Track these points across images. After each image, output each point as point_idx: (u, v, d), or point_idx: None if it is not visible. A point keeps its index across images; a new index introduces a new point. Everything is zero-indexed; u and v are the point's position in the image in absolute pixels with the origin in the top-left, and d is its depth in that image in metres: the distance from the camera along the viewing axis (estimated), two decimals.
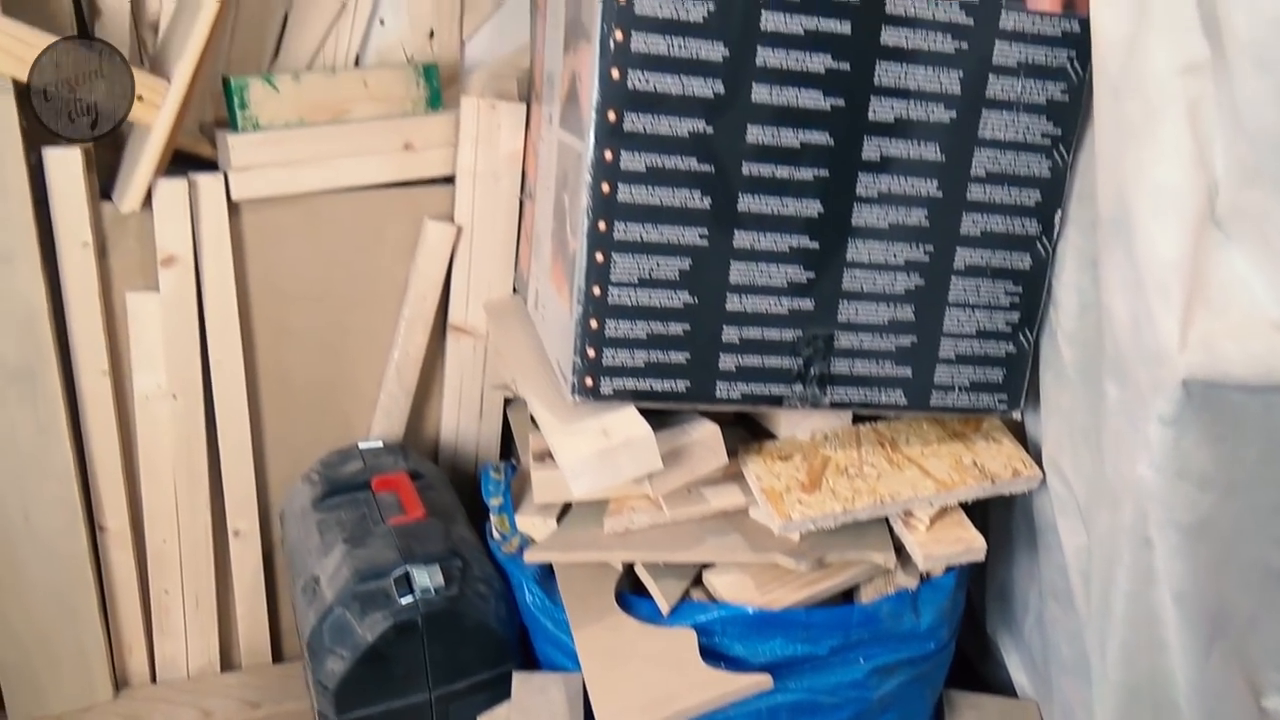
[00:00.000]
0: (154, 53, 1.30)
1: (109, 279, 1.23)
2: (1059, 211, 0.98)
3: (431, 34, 1.43)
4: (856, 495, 0.98)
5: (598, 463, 0.91)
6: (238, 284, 1.27)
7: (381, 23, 1.42)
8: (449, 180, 1.35)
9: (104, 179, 1.25)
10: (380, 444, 1.34)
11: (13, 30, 1.06)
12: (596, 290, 0.91)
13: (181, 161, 1.26)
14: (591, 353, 0.93)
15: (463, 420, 1.44)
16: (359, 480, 1.24)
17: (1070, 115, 0.95)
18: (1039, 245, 0.99)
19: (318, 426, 1.38)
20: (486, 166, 1.33)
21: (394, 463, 1.28)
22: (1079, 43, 0.93)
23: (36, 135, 1.16)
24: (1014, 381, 1.03)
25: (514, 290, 1.38)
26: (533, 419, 1.32)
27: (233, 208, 1.25)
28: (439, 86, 1.37)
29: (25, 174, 1.14)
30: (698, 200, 0.91)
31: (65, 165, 1.17)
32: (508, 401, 1.44)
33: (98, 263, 1.21)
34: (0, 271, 1.14)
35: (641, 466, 0.92)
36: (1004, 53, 0.92)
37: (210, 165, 1.30)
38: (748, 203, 0.92)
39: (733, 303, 0.94)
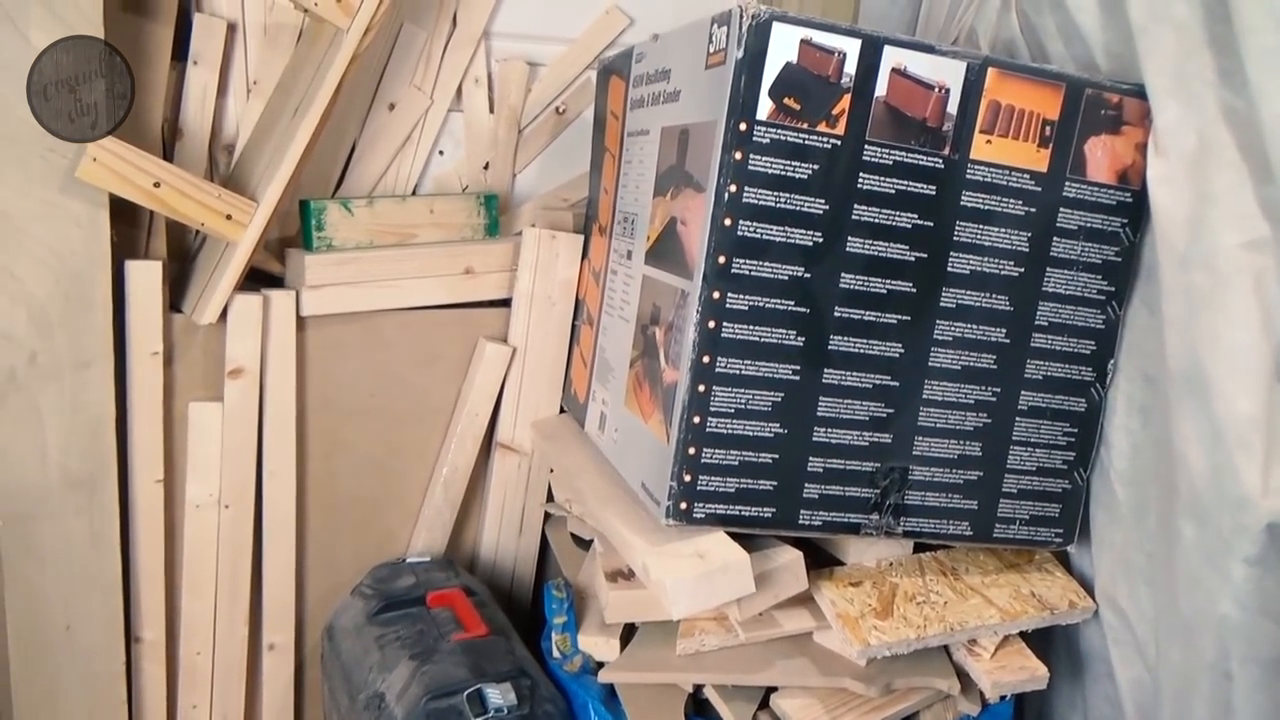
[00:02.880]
0: (226, 172, 1.35)
1: (172, 388, 1.24)
2: (1111, 360, 1.07)
3: (486, 166, 1.51)
4: (928, 622, 1.03)
5: (696, 586, 0.94)
6: (297, 397, 1.30)
7: (441, 153, 1.49)
8: (503, 303, 1.40)
9: (170, 289, 1.28)
10: (429, 559, 1.35)
11: (119, 150, 1.10)
12: (697, 419, 0.96)
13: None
14: (688, 478, 0.97)
15: (503, 536, 1.45)
16: (413, 595, 1.24)
17: (1122, 275, 1.05)
18: (1093, 390, 1.07)
19: (360, 539, 1.38)
20: (543, 292, 1.39)
21: (446, 578, 1.29)
22: (1130, 211, 1.04)
23: (119, 247, 1.19)
24: (1069, 517, 1.10)
25: (560, 410, 1.42)
26: (575, 538, 1.36)
27: (299, 323, 1.28)
28: (498, 215, 1.44)
29: (110, 285, 1.16)
30: (793, 339, 0.97)
31: (145, 277, 1.20)
32: (546, 518, 1.47)
33: (163, 372, 1.22)
34: (77, 379, 1.15)
35: (737, 590, 0.96)
36: (1067, 218, 1.02)
37: (270, 278, 1.34)
38: (837, 343, 0.99)
39: (819, 435, 1.00)
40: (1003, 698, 1.09)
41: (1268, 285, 0.84)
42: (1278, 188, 0.83)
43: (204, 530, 1.27)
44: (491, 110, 1.49)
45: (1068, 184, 1.02)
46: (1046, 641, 1.21)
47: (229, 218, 1.19)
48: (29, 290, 1.12)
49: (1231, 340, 0.85)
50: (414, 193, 1.48)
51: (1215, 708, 0.89)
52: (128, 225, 1.23)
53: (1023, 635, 1.12)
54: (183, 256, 1.34)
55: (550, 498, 1.45)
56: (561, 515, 1.40)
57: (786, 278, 0.96)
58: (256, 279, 1.32)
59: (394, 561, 1.35)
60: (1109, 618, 1.07)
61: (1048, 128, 1.00)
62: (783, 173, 0.94)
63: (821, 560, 1.14)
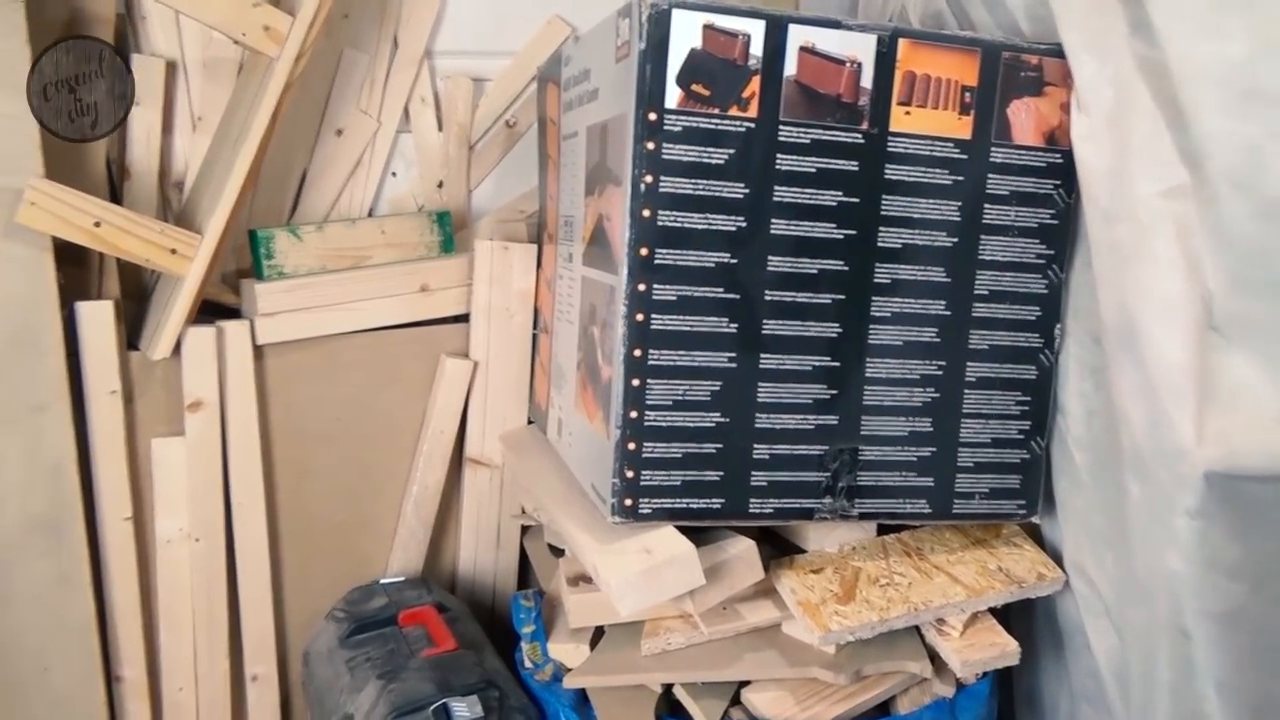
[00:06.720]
0: (178, 209, 1.36)
1: (134, 426, 1.25)
2: (1058, 325, 1.05)
3: (440, 185, 1.51)
4: (890, 604, 1.01)
5: (643, 581, 0.93)
6: (260, 426, 1.30)
7: (394, 175, 1.50)
8: (463, 319, 1.40)
9: (128, 329, 1.29)
10: (402, 579, 1.35)
11: (56, 193, 1.12)
12: (634, 414, 0.96)
13: (203, 309, 1.30)
14: (630, 474, 0.96)
15: (480, 551, 1.45)
16: (385, 615, 1.24)
17: (1060, 237, 1.04)
18: (1042, 356, 1.05)
19: (336, 564, 1.38)
20: (500, 304, 1.39)
21: (418, 596, 1.28)
22: (1062, 173, 1.02)
23: (69, 290, 1.20)
24: (1030, 487, 1.08)
25: (529, 421, 1.42)
26: (551, 548, 1.36)
27: (257, 352, 1.29)
28: (452, 231, 1.44)
29: (60, 329, 1.17)
30: (725, 326, 0.97)
31: (97, 318, 1.21)
32: (524, 531, 1.46)
33: (124, 410, 1.23)
34: (33, 423, 1.16)
35: (685, 583, 0.95)
36: (996, 184, 1.01)
37: (232, 312, 1.35)
38: (772, 327, 0.98)
39: (762, 421, 0.99)
40: (978, 677, 1.07)
41: (1190, 232, 0.82)
42: (1191, 133, 0.81)
43: (176, 565, 1.28)
44: (440, 128, 1.49)
45: (994, 149, 1.00)
46: (1029, 618, 1.19)
47: (174, 252, 1.20)
48: None
49: (1158, 290, 0.83)
50: (370, 215, 1.48)
51: (1178, 668, 0.86)
52: (77, 267, 1.24)
53: (1003, 614, 1.09)
54: (141, 296, 1.35)
55: (523, 509, 1.44)
56: (539, 526, 1.39)
57: (713, 265, 0.95)
58: (216, 312, 1.32)
59: (367, 584, 1.34)
60: (1080, 587, 1.05)
61: (967, 94, 0.98)
62: (698, 159, 0.93)
63: (786, 550, 1.13)
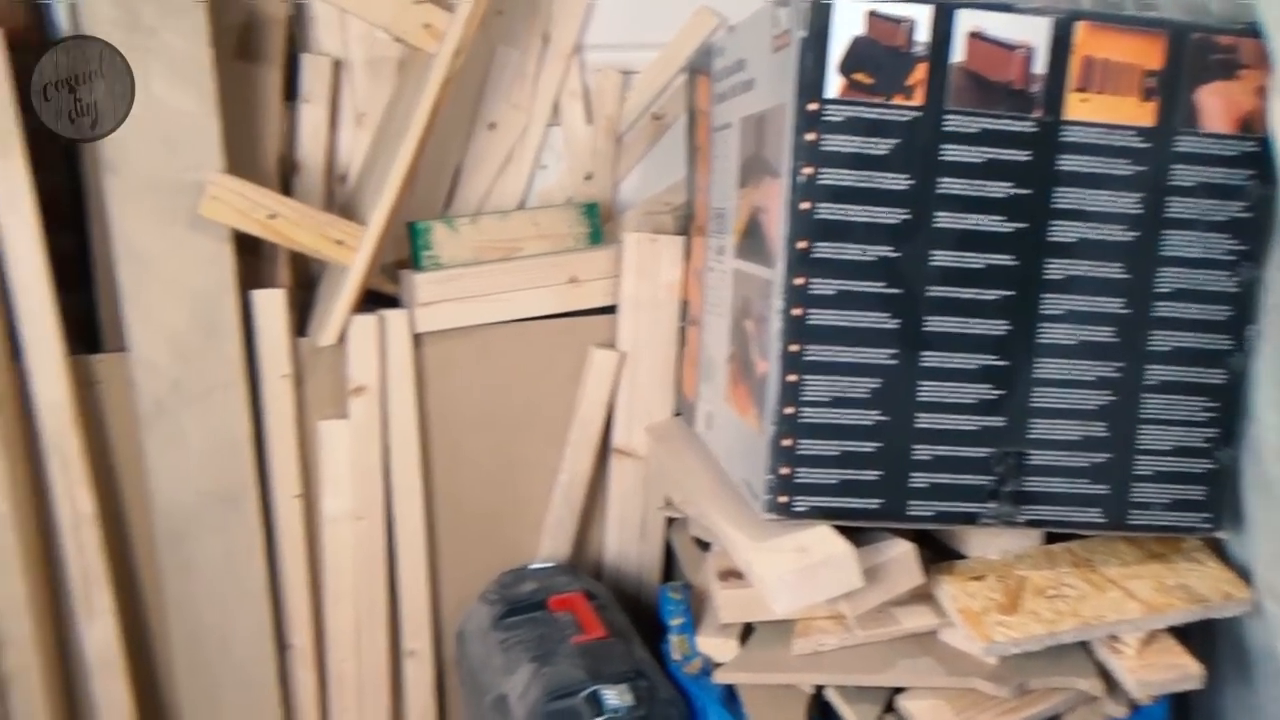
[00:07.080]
0: (341, 200, 1.42)
1: (303, 408, 1.31)
2: (1252, 326, 0.97)
3: (588, 177, 1.52)
4: (1059, 617, 0.96)
5: (797, 580, 0.92)
6: (418, 412, 1.34)
7: (543, 167, 1.52)
8: (610, 310, 1.41)
9: (297, 316, 1.35)
10: (551, 564, 1.37)
11: (235, 187, 1.18)
12: (789, 410, 0.94)
13: (365, 298, 1.35)
14: (785, 470, 0.95)
15: (625, 541, 1.46)
16: (536, 600, 1.26)
17: (1255, 232, 0.96)
18: (1232, 360, 0.98)
19: (487, 548, 1.42)
20: (648, 296, 1.39)
21: (567, 583, 1.31)
22: (1259, 162, 0.94)
23: (245, 279, 1.26)
24: (1215, 500, 1.00)
25: (675, 413, 1.42)
26: (698, 541, 1.35)
27: (415, 340, 1.33)
28: (600, 223, 1.45)
29: (239, 315, 1.24)
30: (886, 322, 0.94)
31: (270, 305, 1.27)
32: (669, 523, 1.46)
33: (294, 393, 1.29)
34: (215, 403, 1.24)
35: (842, 585, 0.93)
36: (1182, 174, 0.94)
37: (391, 301, 1.40)
38: (934, 323, 0.94)
39: (923, 421, 0.96)
40: (1154, 699, 1.01)
41: None
42: None
43: (340, 543, 1.34)
44: (589, 121, 1.50)
45: (1179, 138, 0.94)
46: (1209, 638, 1.11)
47: (340, 243, 1.25)
48: (168, 322, 1.21)
49: None
50: (520, 207, 1.51)
51: None
52: (253, 257, 1.31)
53: (1179, 633, 1.03)
54: (309, 284, 1.41)
55: (668, 501, 1.44)
56: (685, 518, 1.39)
57: (874, 259, 0.93)
58: (379, 301, 1.38)
59: (518, 568, 1.37)
60: (1273, 610, 0.97)
61: (1150, 79, 0.92)
62: (860, 150, 0.90)
63: (943, 555, 1.09)
